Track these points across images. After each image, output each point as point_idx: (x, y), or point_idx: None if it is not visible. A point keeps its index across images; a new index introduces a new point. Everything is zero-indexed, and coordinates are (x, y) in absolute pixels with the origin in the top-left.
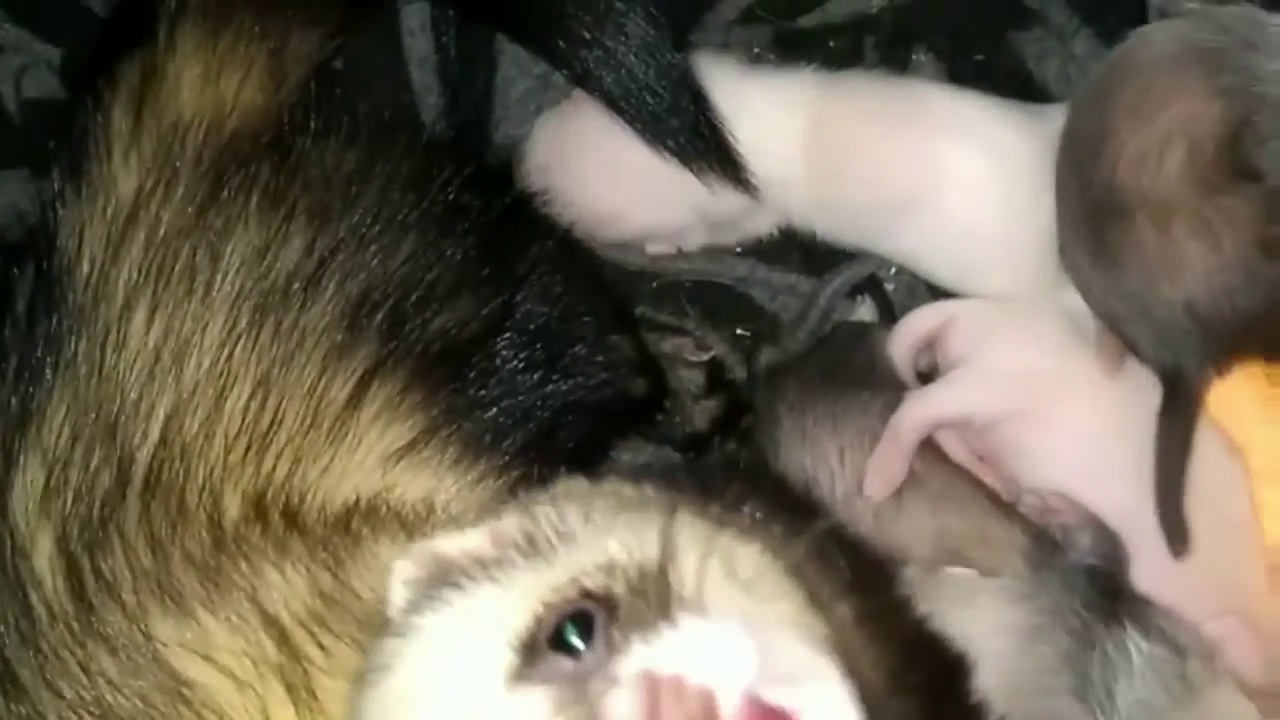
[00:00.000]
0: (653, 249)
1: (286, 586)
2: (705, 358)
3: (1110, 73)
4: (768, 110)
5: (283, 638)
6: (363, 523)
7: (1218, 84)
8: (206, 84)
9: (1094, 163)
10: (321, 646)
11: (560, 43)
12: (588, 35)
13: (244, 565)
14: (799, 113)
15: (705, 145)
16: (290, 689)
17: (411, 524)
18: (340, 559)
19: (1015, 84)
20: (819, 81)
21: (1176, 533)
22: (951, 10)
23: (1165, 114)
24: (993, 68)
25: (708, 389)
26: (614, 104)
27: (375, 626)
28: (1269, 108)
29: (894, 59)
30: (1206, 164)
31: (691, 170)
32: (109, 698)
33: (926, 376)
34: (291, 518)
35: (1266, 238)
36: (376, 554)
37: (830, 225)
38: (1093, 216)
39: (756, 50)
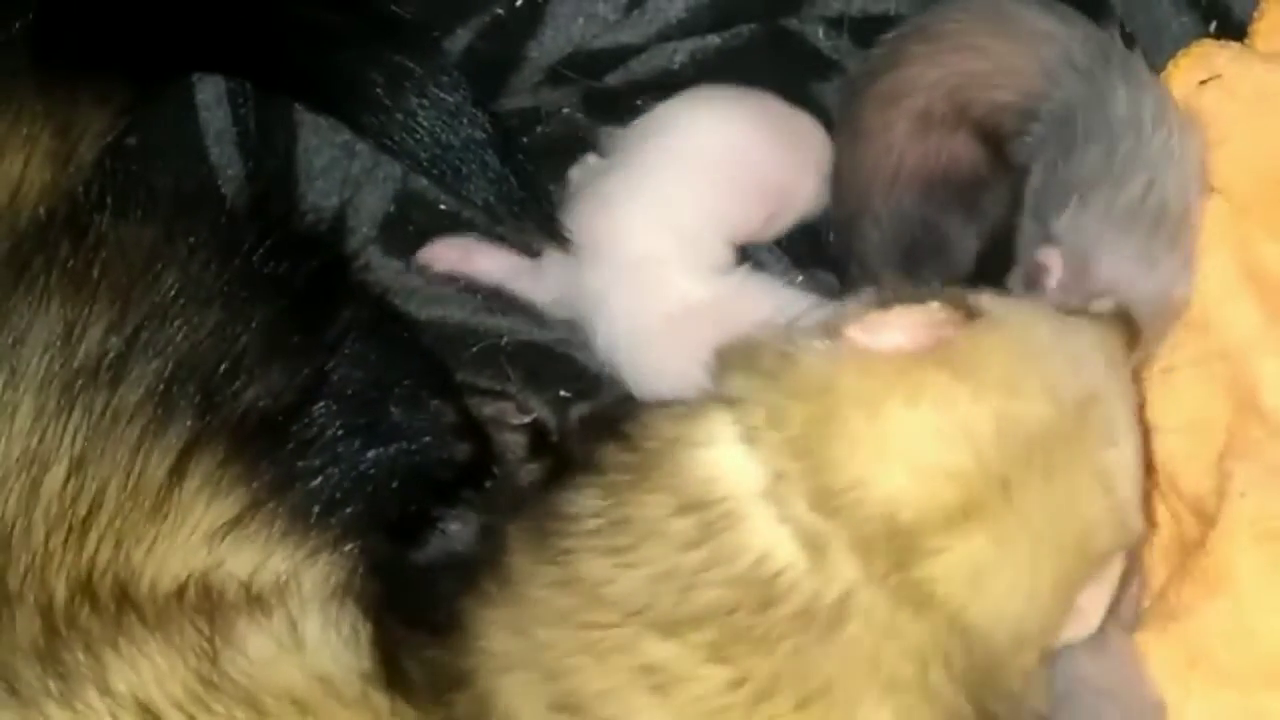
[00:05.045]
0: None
1: (139, 672)
2: (527, 421)
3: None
4: None
5: None
6: (213, 601)
7: None
8: None
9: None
10: None
11: (360, 111)
12: (388, 101)
13: (80, 652)
14: None
15: (519, 203)
16: None
17: (263, 600)
18: (214, 643)
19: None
20: None
21: None
22: (753, 64)
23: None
24: None
25: (531, 453)
26: (420, 168)
27: (254, 707)
28: None
29: None
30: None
31: (506, 229)
32: None
33: None
34: (123, 597)
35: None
36: (243, 637)
37: None
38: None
39: (567, 110)
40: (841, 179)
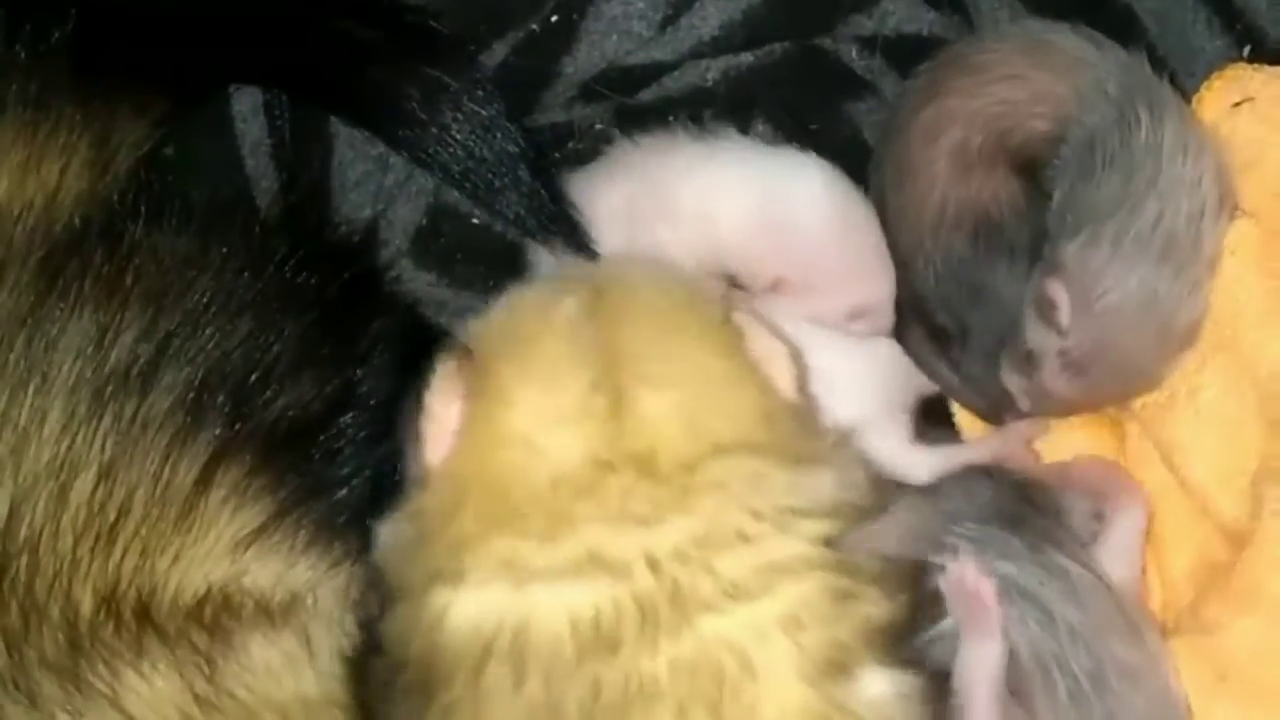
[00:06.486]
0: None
1: (152, 690)
2: None
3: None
4: None
5: None
6: (223, 616)
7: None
8: (27, 174)
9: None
10: None
11: (395, 124)
12: (423, 115)
13: (101, 667)
14: None
15: (551, 217)
16: None
17: (276, 614)
18: (213, 659)
19: (851, 153)
20: None
21: None
22: (785, 82)
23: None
24: (829, 137)
25: None
26: (453, 181)
27: None
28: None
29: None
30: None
31: (537, 242)
32: None
33: None
34: (144, 614)
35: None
36: (249, 651)
37: None
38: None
39: (599, 126)
40: (890, 218)
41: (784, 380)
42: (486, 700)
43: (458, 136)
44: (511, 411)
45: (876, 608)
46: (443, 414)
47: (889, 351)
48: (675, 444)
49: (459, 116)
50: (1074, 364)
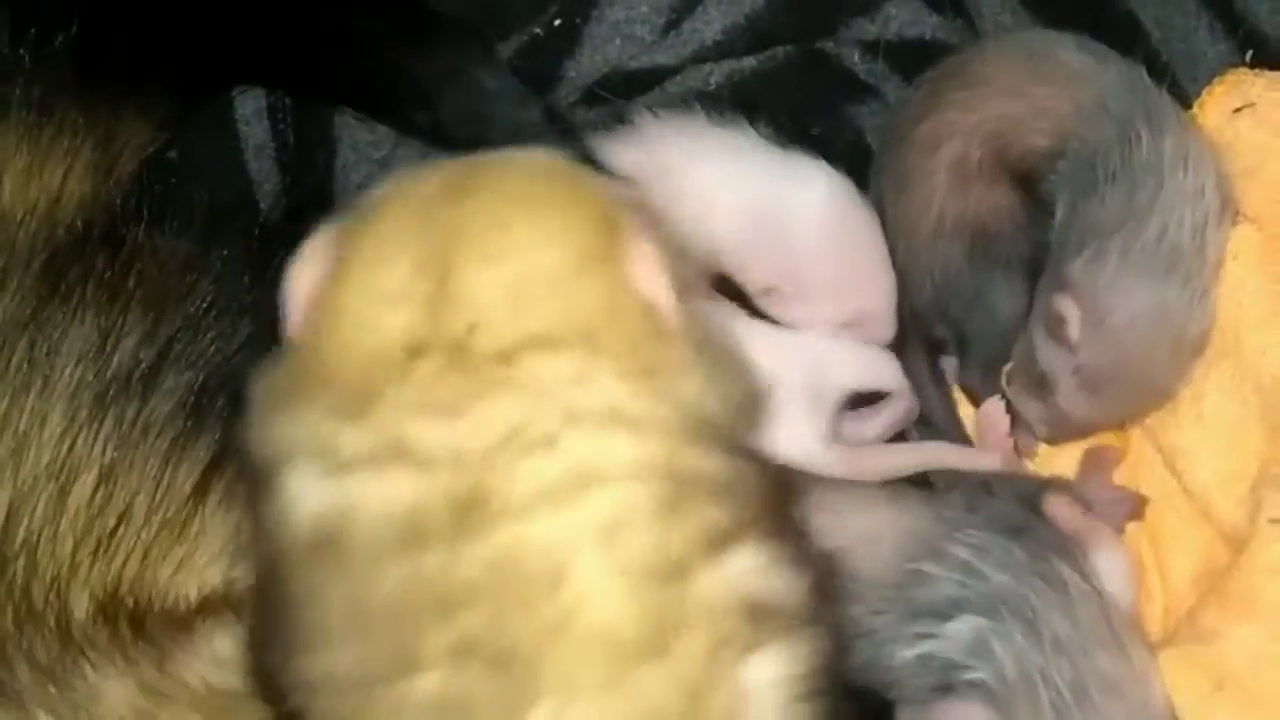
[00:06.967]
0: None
1: (123, 687)
2: None
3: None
4: None
5: None
6: (196, 619)
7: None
8: (30, 178)
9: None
10: None
11: (410, 107)
12: (436, 94)
13: (88, 669)
14: None
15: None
16: None
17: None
18: (166, 649)
19: (853, 156)
20: None
21: None
22: (787, 86)
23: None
24: (831, 141)
25: None
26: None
27: (210, 711)
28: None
29: None
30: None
31: None
32: None
33: None
34: (139, 622)
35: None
36: (211, 644)
37: None
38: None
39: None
40: (889, 229)
41: (646, 280)
42: (318, 595)
43: (476, 110)
44: (342, 286)
45: (718, 513)
46: (299, 288)
47: (816, 344)
48: (494, 327)
49: (477, 89)
50: (1089, 382)
